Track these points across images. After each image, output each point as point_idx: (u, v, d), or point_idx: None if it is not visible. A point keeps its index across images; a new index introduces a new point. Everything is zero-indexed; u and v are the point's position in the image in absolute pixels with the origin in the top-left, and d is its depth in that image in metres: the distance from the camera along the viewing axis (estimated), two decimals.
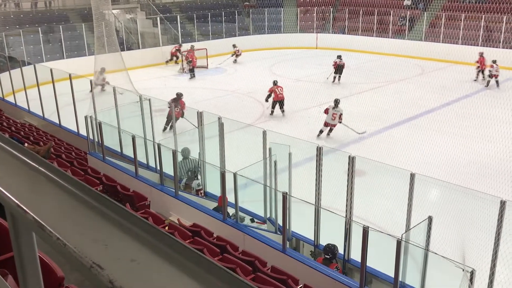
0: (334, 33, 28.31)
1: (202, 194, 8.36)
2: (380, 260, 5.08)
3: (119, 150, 9.57)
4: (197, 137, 8.27)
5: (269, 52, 26.33)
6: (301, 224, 6.56)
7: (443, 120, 14.53)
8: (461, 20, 23.90)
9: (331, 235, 6.21)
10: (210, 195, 8.26)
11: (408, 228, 5.23)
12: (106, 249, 0.79)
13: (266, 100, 15.17)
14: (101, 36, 15.58)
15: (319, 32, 28.61)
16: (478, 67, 19.40)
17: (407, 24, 26.23)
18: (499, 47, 22.33)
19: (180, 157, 8.29)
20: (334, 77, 19.72)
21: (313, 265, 5.60)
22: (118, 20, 24.86)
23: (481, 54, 19.44)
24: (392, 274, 4.67)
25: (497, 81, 18.17)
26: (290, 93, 18.22)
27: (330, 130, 13.42)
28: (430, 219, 4.91)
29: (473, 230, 6.55)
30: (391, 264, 4.59)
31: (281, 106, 15.18)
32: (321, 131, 13.29)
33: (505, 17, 22.44)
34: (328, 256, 5.82)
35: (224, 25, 27.21)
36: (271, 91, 15.16)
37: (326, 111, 13.25)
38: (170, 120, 12.08)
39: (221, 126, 7.36)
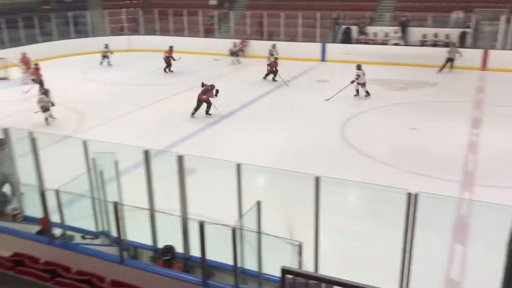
0: (146, 34, 28.02)
1: (21, 219, 7.52)
2: (221, 252, 5.24)
3: None
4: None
5: (79, 57, 24.87)
6: (137, 231, 6.39)
7: (262, 111, 15.61)
8: (263, 17, 25.87)
9: (170, 236, 6.18)
10: (31, 218, 7.46)
11: (240, 216, 5.50)
12: None
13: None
14: None
15: (131, 34, 28.02)
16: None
17: (216, 23, 27.39)
18: (299, 41, 24.83)
19: None
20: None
21: (154, 269, 5.52)
22: None
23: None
24: (232, 263, 4.86)
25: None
26: (109, 97, 17.48)
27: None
28: (258, 203, 5.23)
29: (299, 207, 7.20)
30: (231, 253, 4.78)
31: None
32: None
33: (300, 13, 24.96)
34: (167, 258, 5.81)
35: (23, 31, 24.70)
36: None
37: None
38: None
39: (33, 141, 6.68)
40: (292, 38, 25.04)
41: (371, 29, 23.98)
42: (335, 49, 23.52)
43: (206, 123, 14.17)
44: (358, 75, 16.36)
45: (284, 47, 23.31)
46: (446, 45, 21.92)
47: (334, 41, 24.50)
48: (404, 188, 4.86)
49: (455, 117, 14.20)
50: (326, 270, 5.94)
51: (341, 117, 14.39)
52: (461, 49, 20.58)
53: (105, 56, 23.15)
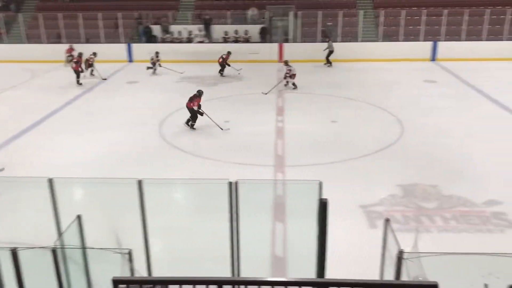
0: None
1: None
2: (43, 279, 4.75)
3: None
4: None
5: None
6: None
7: (72, 119, 14.54)
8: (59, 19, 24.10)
9: None
10: None
11: (60, 235, 5.07)
12: None
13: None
14: None
15: None
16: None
17: (2, 27, 24.53)
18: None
19: None
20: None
21: None
22: None
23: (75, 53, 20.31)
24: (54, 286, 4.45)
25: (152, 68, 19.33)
26: None
27: None
28: (79, 218, 4.90)
29: (125, 214, 6.94)
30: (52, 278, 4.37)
31: None
32: None
33: (100, 14, 23.90)
34: None
35: None
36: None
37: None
38: None
39: None
40: (96, 39, 23.90)
41: (175, 28, 24.29)
42: (141, 49, 23.19)
43: (7, 137, 12.63)
44: (290, 70, 17.34)
45: (89, 50, 22.08)
46: (246, 40, 23.52)
47: (139, 41, 24.15)
48: (225, 178, 5.08)
49: (263, 107, 15.36)
50: (160, 271, 5.89)
51: (157, 117, 14.31)
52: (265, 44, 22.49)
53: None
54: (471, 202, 8.99)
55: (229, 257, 5.29)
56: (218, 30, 24.21)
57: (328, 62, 21.88)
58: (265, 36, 23.79)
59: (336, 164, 10.73)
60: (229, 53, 20.25)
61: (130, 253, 4.41)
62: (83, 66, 19.03)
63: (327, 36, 23.29)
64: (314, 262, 5.34)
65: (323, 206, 4.91)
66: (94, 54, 19.86)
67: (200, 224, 8.42)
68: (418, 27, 23.45)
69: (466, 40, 22.95)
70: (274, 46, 23.19)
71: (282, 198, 9.30)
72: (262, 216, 8.45)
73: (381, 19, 23.61)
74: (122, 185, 6.45)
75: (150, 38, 23.91)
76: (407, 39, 23.36)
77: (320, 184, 5.19)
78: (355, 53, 22.31)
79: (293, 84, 17.62)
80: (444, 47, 22.56)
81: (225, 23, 24.58)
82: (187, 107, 13.32)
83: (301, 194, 8.41)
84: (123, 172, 10.10)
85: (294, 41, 23.86)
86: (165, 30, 24.20)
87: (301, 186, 9.33)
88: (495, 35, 23.16)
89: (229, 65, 20.13)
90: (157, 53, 20.35)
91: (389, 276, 4.60)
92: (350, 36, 23.70)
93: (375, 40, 23.44)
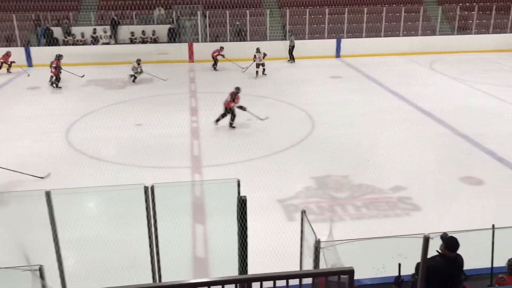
0: None
1: None
2: None
3: None
4: None
5: None
6: None
7: None
8: None
9: None
10: None
11: None
12: None
13: None
14: None
15: None
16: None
17: None
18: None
19: None
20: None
21: None
22: None
23: None
24: None
25: None
26: None
27: None
28: None
29: (33, 228, 6.50)
30: None
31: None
32: None
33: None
34: None
35: None
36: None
37: None
38: None
39: None
40: None
41: (78, 30, 23.15)
42: (41, 52, 21.76)
43: None
44: (255, 56, 19.30)
45: None
46: (154, 41, 23.05)
47: (38, 44, 22.71)
48: (140, 183, 4.94)
49: (176, 108, 15.14)
50: (77, 285, 5.60)
51: (63, 124, 13.54)
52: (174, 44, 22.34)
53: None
54: (379, 189, 9.57)
55: (149, 263, 5.16)
56: (124, 31, 23.46)
57: (292, 58, 22.62)
58: (173, 36, 23.47)
59: (252, 162, 10.88)
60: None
61: (41, 269, 4.14)
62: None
63: (239, 35, 23.58)
64: (236, 260, 5.37)
65: (242, 204, 4.96)
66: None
67: (117, 233, 8.12)
68: (322, 25, 24.45)
69: (366, 37, 24.32)
70: (184, 46, 22.96)
71: (201, 199, 9.26)
72: (182, 219, 8.35)
73: (287, 18, 24.30)
74: (28, 198, 6.03)
75: (51, 41, 22.56)
76: (312, 37, 24.25)
77: (238, 182, 5.23)
78: (264, 51, 22.70)
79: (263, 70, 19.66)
80: (347, 44, 23.74)
81: (131, 24, 23.88)
82: (226, 106, 13.01)
83: (219, 194, 8.42)
84: (30, 184, 9.46)
85: (204, 40, 23.79)
86: (67, 32, 22.98)
87: (219, 186, 9.34)
88: (392, 32, 24.80)
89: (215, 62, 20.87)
90: (138, 60, 19.15)
91: (308, 265, 4.76)
92: (259, 35, 24.13)
93: (283, 38, 24.06)
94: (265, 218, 8.05)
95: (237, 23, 23.98)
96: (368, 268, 6.10)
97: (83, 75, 18.99)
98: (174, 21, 24.00)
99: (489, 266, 5.33)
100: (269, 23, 24.24)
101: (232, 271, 5.44)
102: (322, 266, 4.42)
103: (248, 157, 11.08)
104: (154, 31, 23.41)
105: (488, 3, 25.72)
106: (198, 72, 20.75)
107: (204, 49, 22.71)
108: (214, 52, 20.95)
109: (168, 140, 12.25)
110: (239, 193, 5.21)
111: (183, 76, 19.90)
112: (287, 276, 3.01)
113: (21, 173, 9.82)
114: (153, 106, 15.45)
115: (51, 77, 18.00)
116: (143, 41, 23.20)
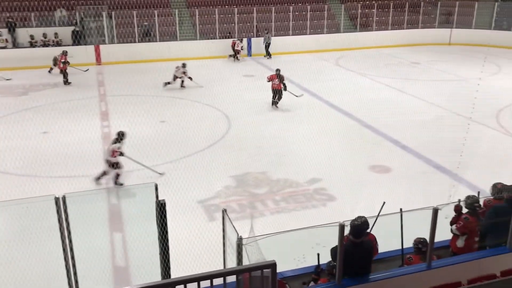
0: None
1: None
2: None
3: None
4: None
5: None
6: None
7: None
8: None
9: None
10: None
11: None
12: None
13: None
14: None
15: None
16: None
17: None
18: None
19: None
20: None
21: None
22: None
23: None
24: None
25: None
26: None
27: None
28: None
29: None
30: None
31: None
32: None
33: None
34: None
35: None
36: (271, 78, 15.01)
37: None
38: None
39: None
40: None
41: None
42: None
43: None
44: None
45: None
46: (57, 44, 21.81)
47: None
48: (50, 194, 4.67)
49: (85, 113, 14.46)
50: None
51: None
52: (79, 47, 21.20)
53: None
54: (296, 183, 9.86)
55: (65, 278, 4.90)
56: (23, 33, 21.94)
57: (268, 54, 23.46)
58: (78, 38, 22.37)
59: (171, 164, 10.71)
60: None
61: None
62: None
63: (148, 35, 23.07)
64: (158, 265, 5.27)
65: (160, 208, 4.87)
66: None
67: (27, 249, 7.61)
68: (232, 24, 24.63)
69: (276, 35, 24.87)
70: (90, 48, 21.98)
71: (118, 206, 8.95)
72: (98, 228, 8.02)
73: (196, 17, 24.18)
74: None
75: None
76: (223, 36, 24.35)
77: (156, 186, 5.12)
78: (175, 51, 22.41)
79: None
80: (258, 43, 24.17)
81: (30, 26, 22.39)
82: (277, 88, 14.92)
83: (137, 199, 8.21)
84: None
85: (111, 42, 22.95)
86: None
87: (136, 191, 9.11)
88: (300, 30, 25.63)
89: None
90: (184, 64, 17.79)
91: (232, 264, 4.79)
92: (169, 36, 23.77)
93: (194, 38, 23.90)
94: (186, 220, 7.97)
95: (145, 23, 23.43)
96: (290, 260, 6.27)
97: (87, 69, 19.82)
98: (78, 23, 22.89)
99: (400, 247, 5.70)
100: (178, 23, 23.98)
101: (155, 276, 5.33)
102: (246, 262, 4.46)
103: (167, 159, 10.89)
104: (56, 33, 22.15)
105: (386, 1, 27.48)
106: (107, 75, 19.97)
107: (111, 50, 21.94)
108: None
109: (79, 147, 11.65)
110: (157, 197, 5.11)
111: (91, 79, 19.05)
112: (210, 276, 3.02)
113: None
114: (60, 113, 14.61)
115: (63, 75, 18.14)
116: (45, 45, 21.87)
